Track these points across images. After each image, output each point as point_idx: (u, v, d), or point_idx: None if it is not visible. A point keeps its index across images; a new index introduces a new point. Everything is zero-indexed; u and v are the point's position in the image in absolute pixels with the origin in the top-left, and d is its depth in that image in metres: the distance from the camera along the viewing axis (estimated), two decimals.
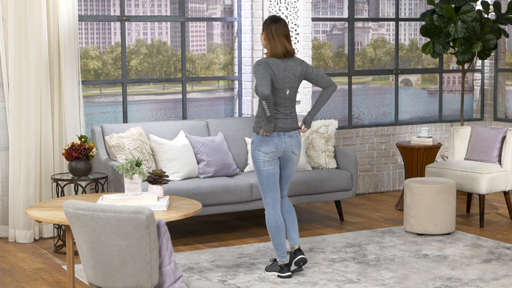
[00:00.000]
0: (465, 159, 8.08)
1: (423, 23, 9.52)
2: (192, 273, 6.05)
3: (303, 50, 8.48)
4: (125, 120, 7.97)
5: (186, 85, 8.27)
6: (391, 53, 9.54)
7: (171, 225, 7.76)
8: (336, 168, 7.86)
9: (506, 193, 7.84)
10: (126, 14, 7.92)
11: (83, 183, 6.87)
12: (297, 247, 6.05)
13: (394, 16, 9.51)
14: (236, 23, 8.50)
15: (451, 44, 8.83)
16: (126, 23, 7.92)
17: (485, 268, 6.18)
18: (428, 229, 7.16)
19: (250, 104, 8.39)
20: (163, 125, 7.55)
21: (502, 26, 10.12)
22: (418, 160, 8.26)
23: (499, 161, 7.79)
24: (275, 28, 5.90)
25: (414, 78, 9.77)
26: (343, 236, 7.23)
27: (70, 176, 6.90)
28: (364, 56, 9.39)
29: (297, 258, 5.99)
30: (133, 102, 8.08)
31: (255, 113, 8.36)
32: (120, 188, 6.85)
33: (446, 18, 8.59)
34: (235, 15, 8.48)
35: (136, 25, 8.05)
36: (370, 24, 9.42)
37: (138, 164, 5.64)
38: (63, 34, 7.18)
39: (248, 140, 7.81)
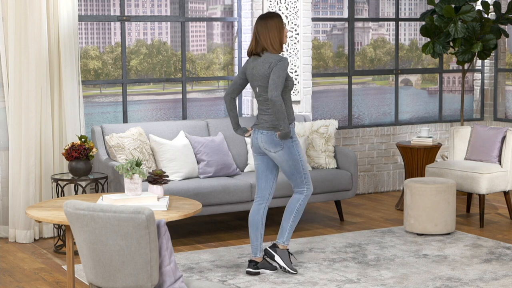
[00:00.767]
0: (465, 159, 8.08)
1: (423, 23, 9.52)
2: (192, 273, 6.05)
3: (303, 50, 8.47)
4: (125, 120, 7.97)
5: (186, 85, 8.27)
6: (391, 53, 9.54)
7: (171, 225, 7.76)
8: (336, 168, 7.86)
9: (506, 193, 7.84)
10: (126, 14, 7.92)
11: (83, 183, 6.87)
12: (274, 243, 6.12)
13: (394, 16, 9.51)
14: (236, 23, 8.49)
15: (451, 44, 8.83)
16: (126, 23, 7.92)
17: (485, 268, 6.18)
18: (428, 229, 7.16)
19: (250, 104, 8.38)
20: (163, 125, 7.55)
21: (502, 26, 10.12)
22: (418, 160, 8.25)
23: (499, 161, 7.79)
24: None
25: (414, 78, 9.77)
26: (343, 236, 7.23)
27: (70, 176, 6.89)
28: (364, 56, 9.39)
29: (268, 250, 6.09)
30: (133, 102, 8.08)
31: (255, 113, 8.36)
32: (120, 188, 6.85)
33: (446, 18, 8.58)
34: (235, 15, 8.48)
35: (136, 25, 8.05)
36: (370, 24, 9.42)
37: (138, 164, 5.63)
38: (63, 34, 7.18)
39: (248, 140, 7.80)
